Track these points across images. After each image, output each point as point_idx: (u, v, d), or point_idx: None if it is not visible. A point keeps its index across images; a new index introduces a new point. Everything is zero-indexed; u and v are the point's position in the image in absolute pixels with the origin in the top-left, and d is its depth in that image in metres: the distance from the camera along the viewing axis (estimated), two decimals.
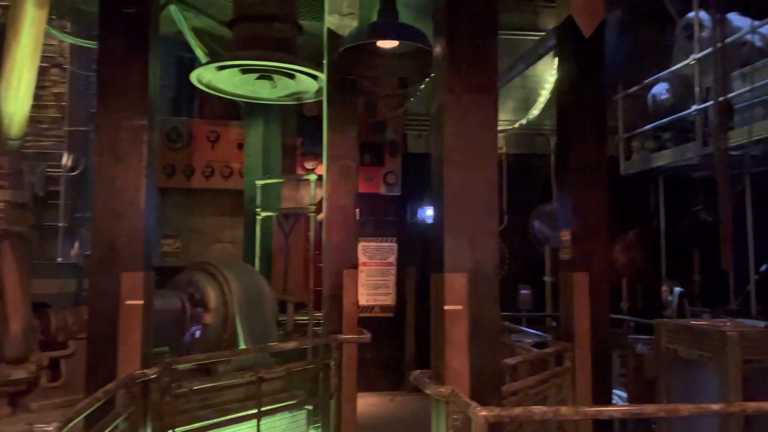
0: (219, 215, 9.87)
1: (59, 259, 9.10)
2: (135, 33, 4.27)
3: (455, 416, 3.34)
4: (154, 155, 4.46)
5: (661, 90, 8.14)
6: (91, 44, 7.66)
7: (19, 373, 4.46)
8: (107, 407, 3.67)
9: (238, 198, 9.05)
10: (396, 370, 9.47)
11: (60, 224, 9.19)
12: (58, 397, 4.75)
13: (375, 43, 5.27)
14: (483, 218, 3.81)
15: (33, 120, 7.21)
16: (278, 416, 5.56)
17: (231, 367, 5.68)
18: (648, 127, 8.17)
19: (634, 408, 3.15)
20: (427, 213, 9.56)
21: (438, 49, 4.11)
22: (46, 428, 2.68)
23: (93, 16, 7.51)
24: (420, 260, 9.40)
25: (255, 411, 5.07)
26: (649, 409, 3.14)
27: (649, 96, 8.30)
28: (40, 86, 6.80)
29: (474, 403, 3.07)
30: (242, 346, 5.76)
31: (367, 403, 7.79)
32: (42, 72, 7.75)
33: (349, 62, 5.63)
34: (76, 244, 9.36)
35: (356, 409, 5.88)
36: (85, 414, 3.12)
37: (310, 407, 5.95)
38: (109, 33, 4.25)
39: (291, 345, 5.62)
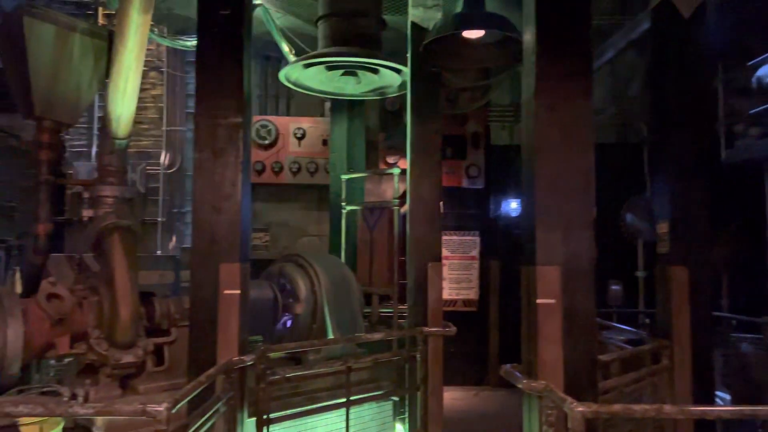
0: (305, 209, 10.14)
1: (158, 252, 9.68)
2: (230, 34, 4.44)
3: (549, 411, 3.27)
4: (249, 152, 4.64)
5: (767, 72, 7.58)
6: (186, 47, 8.05)
7: (128, 358, 4.77)
8: (207, 391, 3.86)
9: (323, 193, 9.25)
10: (479, 364, 9.39)
11: (159, 219, 9.76)
12: (162, 380, 5.05)
13: (460, 33, 5.22)
14: (578, 209, 3.70)
15: (134, 121, 7.70)
16: (365, 406, 5.66)
17: (320, 357, 5.83)
18: (753, 111, 7.63)
19: (746, 409, 2.95)
20: (511, 206, 9.39)
21: (528, 36, 4.02)
22: (157, 408, 2.86)
23: (186, 20, 7.92)
24: (504, 254, 9.26)
25: (344, 400, 5.19)
26: (763, 411, 2.94)
27: (754, 79, 7.74)
28: (140, 88, 7.27)
29: (570, 399, 2.99)
30: (330, 336, 5.89)
31: (450, 396, 7.76)
32: (142, 75, 8.25)
33: (433, 54, 5.61)
34: (174, 238, 9.92)
35: (442, 402, 5.89)
36: (191, 396, 3.30)
37: (395, 398, 6.01)
38: (207, 34, 4.44)
39: (378, 336, 5.69)
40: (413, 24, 5.98)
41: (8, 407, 2.90)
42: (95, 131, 9.89)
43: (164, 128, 9.80)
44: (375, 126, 9.71)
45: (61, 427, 3.79)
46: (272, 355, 4.93)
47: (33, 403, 3.00)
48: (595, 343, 3.77)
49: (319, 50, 6.20)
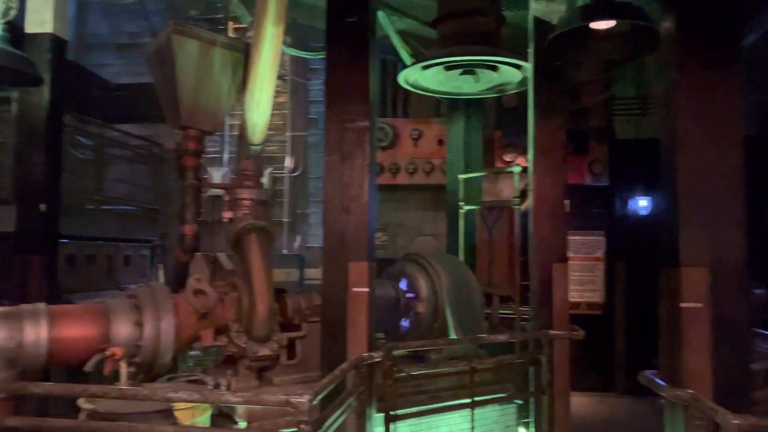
0: (421, 209, 10.23)
1: (284, 251, 10.19)
2: (356, 40, 4.59)
3: (697, 422, 3.07)
4: (374, 154, 4.77)
5: None
6: (309, 55, 8.39)
7: (265, 351, 5.06)
8: (337, 385, 4.01)
9: (439, 193, 9.27)
10: (604, 370, 8.97)
11: (284, 220, 10.27)
12: (294, 373, 5.30)
13: (588, 25, 5.01)
14: (726, 207, 3.44)
15: None
16: (488, 408, 5.60)
17: (442, 356, 5.86)
18: None
19: None
20: (640, 204, 8.87)
21: (667, 24, 3.79)
22: (300, 399, 3.02)
23: (309, 29, 8.28)
24: (631, 255, 8.78)
25: (468, 401, 5.17)
26: None
27: None
28: None
29: (724, 410, 2.79)
30: (452, 335, 5.90)
31: (574, 402, 7.46)
32: None
33: (557, 49, 5.43)
34: (298, 237, 10.39)
35: (569, 407, 5.71)
36: (329, 389, 3.45)
37: (519, 402, 5.90)
38: (335, 42, 4.62)
39: (502, 337, 5.62)
40: (535, 18, 5.84)
41: (170, 393, 3.19)
42: (226, 138, 10.59)
43: (288, 134, 10.30)
44: (491, 124, 9.59)
45: (209, 413, 4.09)
46: (396, 352, 5.03)
47: (190, 391, 3.28)
48: (748, 352, 3.48)
49: (439, 51, 6.22)
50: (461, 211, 7.64)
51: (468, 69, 6.50)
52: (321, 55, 8.44)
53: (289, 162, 10.40)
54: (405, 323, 6.22)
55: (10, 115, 7.93)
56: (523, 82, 6.62)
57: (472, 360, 5.25)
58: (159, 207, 11.16)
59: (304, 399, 2.99)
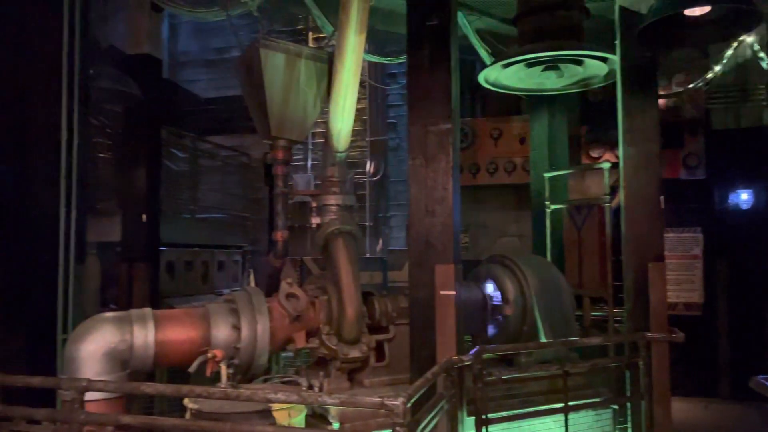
0: (503, 210, 10.07)
1: (367, 254, 10.33)
2: (438, 43, 4.60)
3: None
4: (458, 156, 4.75)
5: None
6: (388, 60, 8.47)
7: (355, 353, 5.15)
8: (427, 388, 4.02)
9: (521, 192, 9.09)
10: (706, 374, 8.47)
11: (366, 224, 10.42)
12: (384, 375, 5.36)
13: (681, 12, 4.77)
14: None
15: None
16: (582, 413, 5.43)
17: (531, 359, 5.74)
18: None
19: None
20: (741, 197, 8.32)
21: None
22: (394, 402, 3.04)
23: (387, 35, 8.35)
24: (734, 252, 8.24)
25: (561, 405, 5.04)
26: None
27: None
28: None
29: None
30: (542, 338, 5.77)
31: (675, 407, 7.09)
32: None
33: (648, 38, 5.20)
34: (381, 241, 10.50)
35: (670, 413, 5.43)
36: (421, 392, 3.46)
37: (615, 407, 5.68)
38: (416, 46, 4.65)
39: (596, 340, 5.44)
40: (622, 9, 5.62)
41: (270, 394, 3.31)
42: (310, 146, 10.88)
43: (368, 138, 10.44)
44: (576, 119, 9.30)
45: (305, 413, 4.21)
46: (485, 355, 4.97)
47: (288, 392, 3.39)
48: None
49: (521, 48, 6.11)
50: (547, 210, 7.45)
51: (551, 64, 6.35)
52: (399, 60, 8.52)
53: (369, 166, 10.55)
54: (491, 326, 6.15)
55: (114, 132, 8.55)
56: (610, 74, 6.39)
57: (564, 363, 5.11)
58: (248, 214, 11.63)
59: (399, 401, 3.02)
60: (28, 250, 4.51)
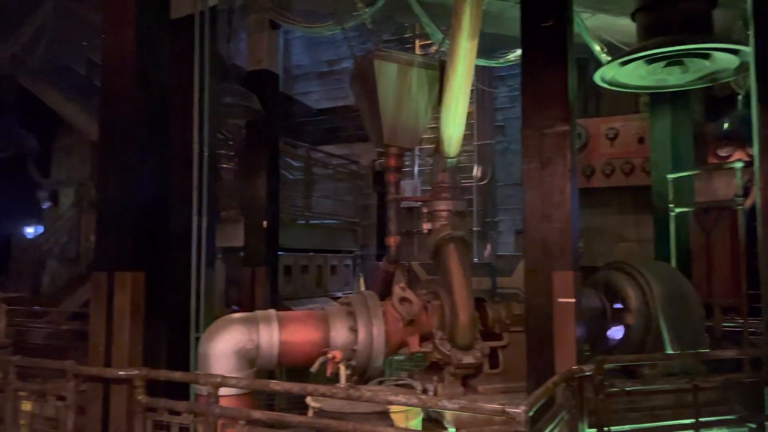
0: (620, 213, 9.60)
1: (475, 260, 10.24)
2: (553, 43, 4.49)
3: None
4: (575, 159, 4.61)
5: None
6: (496, 63, 8.39)
7: (468, 359, 5.13)
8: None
9: (641, 194, 8.63)
10: None
11: (474, 228, 10.34)
12: (498, 382, 5.29)
13: None
14: None
15: None
16: (715, 430, 5.06)
17: (656, 372, 5.43)
18: None
19: None
20: None
21: None
22: (516, 410, 3.01)
23: (494, 38, 8.27)
24: None
25: (692, 421, 4.72)
26: None
27: None
28: None
29: None
30: (669, 349, 5.44)
31: None
32: None
33: None
34: (489, 246, 10.38)
35: None
36: (542, 401, 3.39)
37: (752, 425, 5.23)
38: (531, 47, 4.58)
39: (730, 353, 5.05)
40: None
41: (391, 396, 3.39)
42: (417, 152, 10.99)
43: (475, 143, 10.36)
44: (700, 116, 8.70)
45: (421, 417, 4.26)
46: (606, 366, 4.77)
47: (408, 395, 3.45)
48: None
49: (641, 44, 5.82)
50: (671, 213, 7.02)
51: (675, 60, 6.00)
52: (508, 63, 8.41)
53: (477, 171, 10.47)
54: (612, 335, 5.88)
55: (235, 144, 9.13)
56: (742, 67, 5.93)
57: (693, 377, 4.78)
58: (358, 220, 11.94)
59: (521, 409, 2.98)
60: (168, 257, 4.92)
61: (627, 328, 5.69)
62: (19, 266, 12.27)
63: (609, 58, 6.69)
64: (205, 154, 5.47)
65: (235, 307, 8.58)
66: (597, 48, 7.47)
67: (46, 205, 13.28)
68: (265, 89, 7.94)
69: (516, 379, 5.15)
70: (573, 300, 4.37)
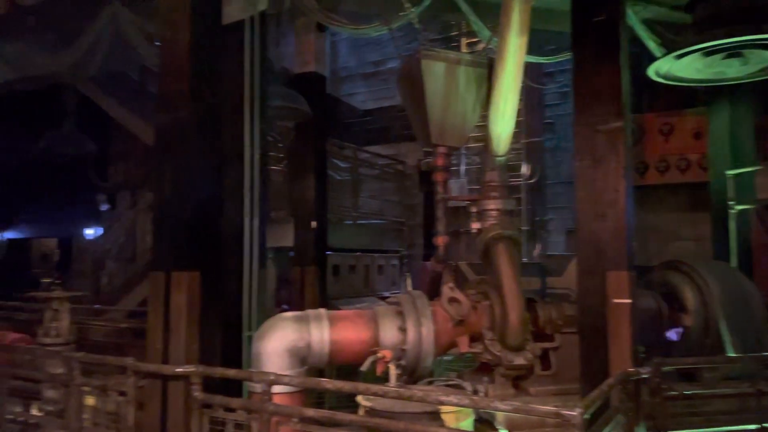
0: (675, 211, 9.29)
1: (524, 260, 10.10)
2: (605, 38, 4.40)
3: None
4: (629, 156, 4.49)
5: None
6: (545, 59, 8.25)
7: (519, 360, 5.06)
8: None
9: (697, 191, 8.33)
10: None
11: (523, 228, 10.19)
12: (550, 384, 5.20)
13: None
14: None
15: None
16: None
17: (716, 375, 5.23)
18: None
19: None
20: None
21: None
22: (571, 413, 2.96)
23: (542, 34, 8.13)
24: None
25: (755, 426, 4.54)
26: None
27: None
28: None
29: None
30: (729, 352, 5.24)
31: None
32: None
33: None
34: (538, 246, 10.22)
35: None
36: (597, 404, 3.32)
37: None
38: (582, 42, 4.49)
39: None
40: None
41: (442, 396, 3.38)
42: (463, 151, 10.91)
43: (524, 140, 10.22)
44: (761, 110, 8.32)
45: (472, 418, 4.23)
46: (664, 368, 4.63)
47: (460, 395, 3.43)
48: None
49: (697, 36, 5.62)
50: (731, 211, 6.75)
51: (734, 51, 5.77)
52: (559, 59, 8.25)
53: (525, 169, 10.31)
54: (668, 337, 5.71)
55: (283, 146, 9.27)
56: None
57: (756, 381, 4.59)
58: (404, 220, 11.95)
59: (576, 412, 2.93)
60: (221, 257, 5.04)
61: (685, 329, 5.52)
62: (80, 266, 12.79)
63: (663, 52, 6.49)
64: (256, 155, 5.57)
65: (284, 307, 8.71)
66: (651, 41, 7.25)
67: (104, 207, 13.80)
68: (313, 91, 8.03)
69: (568, 382, 5.05)
70: (628, 300, 4.27)
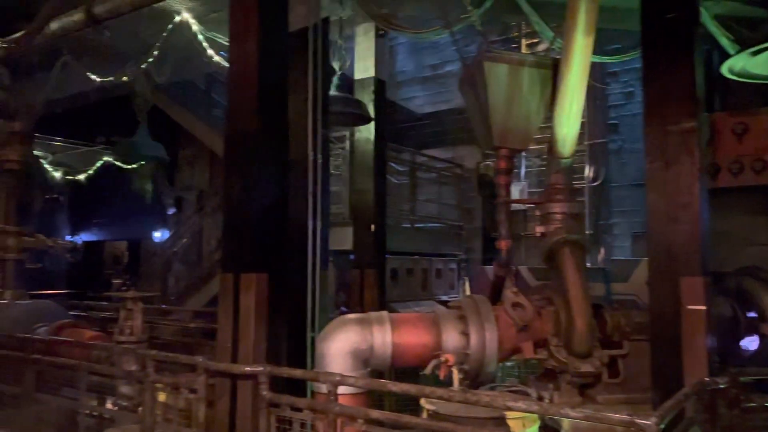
0: (750, 214, 8.83)
1: (588, 264, 9.84)
2: (678, 35, 4.25)
3: None
4: (703, 157, 4.32)
5: None
6: (610, 59, 8.04)
7: (587, 367, 4.92)
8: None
9: None
10: None
11: (586, 232, 9.94)
12: (618, 392, 5.04)
13: None
14: None
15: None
16: None
17: None
18: None
19: None
20: None
21: None
22: (646, 422, 2.86)
23: (606, 33, 7.92)
24: None
25: None
26: None
27: None
28: None
29: None
30: None
31: None
32: None
33: None
34: (602, 250, 9.95)
35: None
36: (673, 414, 3.20)
37: None
38: (652, 41, 4.35)
39: None
40: None
41: (510, 402, 3.34)
42: (523, 154, 10.75)
43: (587, 142, 9.98)
44: None
45: (537, 424, 4.16)
46: (742, 379, 4.42)
47: (528, 401, 3.38)
48: None
49: None
50: None
51: None
52: (622, 58, 8.03)
53: (588, 171, 10.07)
54: (745, 346, 5.45)
55: (345, 151, 9.38)
56: None
57: None
58: (462, 223, 11.87)
59: (651, 421, 2.84)
60: (288, 258, 5.16)
61: (763, 338, 5.25)
62: (148, 268, 13.34)
63: (737, 48, 6.21)
64: (319, 160, 5.66)
65: (342, 309, 8.81)
66: (724, 38, 6.96)
67: (171, 211, 14.36)
68: (372, 96, 8.11)
69: (637, 390, 4.89)
70: (703, 307, 4.09)
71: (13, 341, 6.46)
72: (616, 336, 5.20)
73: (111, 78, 8.87)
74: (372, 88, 8.19)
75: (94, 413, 5.87)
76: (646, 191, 4.41)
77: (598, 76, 9.92)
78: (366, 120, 7.76)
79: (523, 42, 10.36)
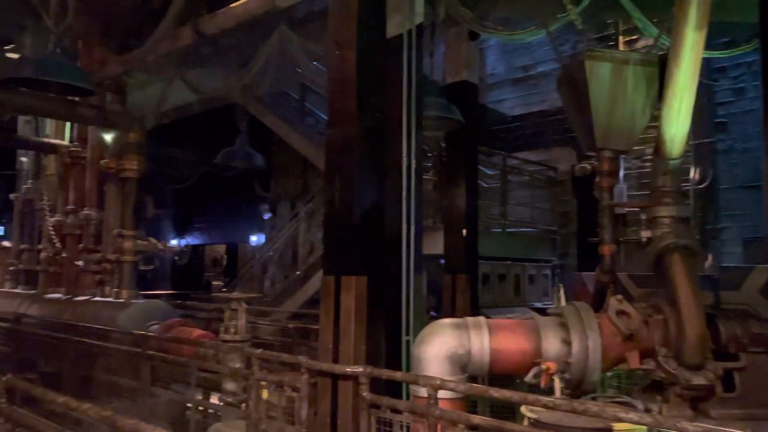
0: None
1: None
2: None
3: None
4: None
5: None
6: (719, 54, 7.58)
7: (698, 379, 4.65)
8: None
9: None
10: None
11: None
12: (734, 408, 4.72)
13: None
14: None
15: None
16: None
17: None
18: None
19: None
20: None
21: None
22: None
23: (715, 27, 7.46)
24: None
25: None
26: None
27: None
28: None
29: None
30: None
31: None
32: None
33: None
34: (710, 256, 9.35)
35: None
36: None
37: None
38: None
39: None
40: None
41: (620, 413, 3.22)
42: (622, 155, 10.30)
43: (692, 142, 9.43)
44: None
45: None
46: None
47: (640, 413, 3.25)
48: None
49: None
50: None
51: None
52: (733, 53, 7.54)
53: (693, 173, 9.50)
54: None
55: (434, 155, 9.40)
56: None
57: None
58: (556, 228, 11.55)
59: None
60: (385, 263, 5.23)
61: None
62: (246, 271, 13.94)
63: None
64: (413, 165, 5.71)
65: (432, 314, 8.79)
66: None
67: (266, 216, 14.94)
68: (464, 100, 8.07)
69: (757, 406, 4.57)
70: None
71: (131, 338, 6.95)
72: (731, 347, 4.88)
73: (215, 90, 9.37)
74: (463, 92, 8.16)
75: (200, 408, 6.21)
76: (763, 193, 4.11)
77: (704, 72, 9.34)
78: (458, 124, 7.73)
79: (621, 39, 9.95)
